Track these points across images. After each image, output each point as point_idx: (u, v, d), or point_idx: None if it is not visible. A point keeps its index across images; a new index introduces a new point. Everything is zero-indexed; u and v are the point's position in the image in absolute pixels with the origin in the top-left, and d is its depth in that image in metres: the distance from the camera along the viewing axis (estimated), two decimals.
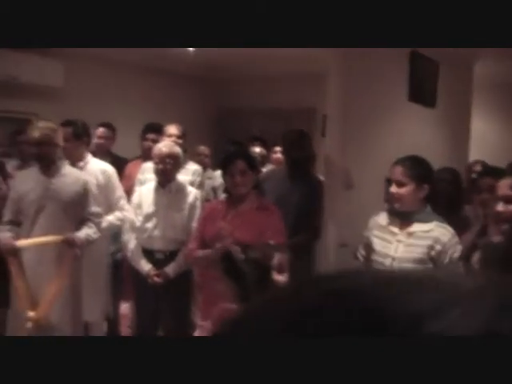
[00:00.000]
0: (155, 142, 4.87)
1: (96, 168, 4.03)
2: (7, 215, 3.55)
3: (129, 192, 4.38)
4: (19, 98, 6.04)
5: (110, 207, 3.98)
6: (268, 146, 5.59)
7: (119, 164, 4.89)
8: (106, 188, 3.98)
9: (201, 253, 3.31)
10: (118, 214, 4.00)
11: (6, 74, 5.71)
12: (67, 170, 3.63)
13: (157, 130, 4.91)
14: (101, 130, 4.98)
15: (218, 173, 4.56)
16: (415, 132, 4.72)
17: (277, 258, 2.81)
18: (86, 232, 3.52)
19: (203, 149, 5.49)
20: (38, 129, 3.47)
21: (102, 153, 4.94)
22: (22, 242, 3.40)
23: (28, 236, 3.46)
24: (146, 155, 4.83)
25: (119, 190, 4.11)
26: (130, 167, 4.84)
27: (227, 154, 3.52)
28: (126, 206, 3.99)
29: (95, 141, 4.95)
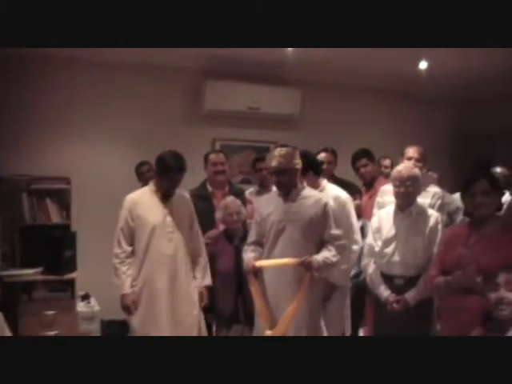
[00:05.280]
0: (365, 167, 4.87)
1: (330, 194, 3.98)
2: (252, 236, 3.74)
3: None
4: (260, 127, 6.46)
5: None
6: None
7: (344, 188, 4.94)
8: (337, 214, 3.83)
9: (441, 280, 3.17)
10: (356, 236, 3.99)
11: (248, 105, 6.14)
12: (307, 192, 3.66)
13: (367, 155, 4.97)
14: (323, 155, 5.05)
15: (454, 196, 4.35)
16: None
17: None
18: (325, 255, 3.51)
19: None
20: (275, 158, 3.53)
21: (326, 177, 5.01)
22: (261, 263, 3.53)
23: (268, 257, 3.58)
24: (362, 179, 5.03)
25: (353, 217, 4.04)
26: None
27: (469, 174, 3.32)
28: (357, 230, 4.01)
29: None
